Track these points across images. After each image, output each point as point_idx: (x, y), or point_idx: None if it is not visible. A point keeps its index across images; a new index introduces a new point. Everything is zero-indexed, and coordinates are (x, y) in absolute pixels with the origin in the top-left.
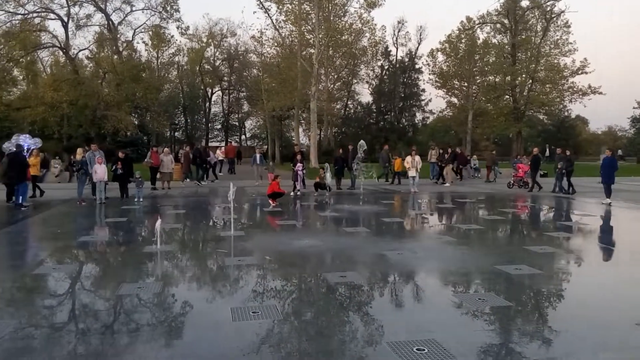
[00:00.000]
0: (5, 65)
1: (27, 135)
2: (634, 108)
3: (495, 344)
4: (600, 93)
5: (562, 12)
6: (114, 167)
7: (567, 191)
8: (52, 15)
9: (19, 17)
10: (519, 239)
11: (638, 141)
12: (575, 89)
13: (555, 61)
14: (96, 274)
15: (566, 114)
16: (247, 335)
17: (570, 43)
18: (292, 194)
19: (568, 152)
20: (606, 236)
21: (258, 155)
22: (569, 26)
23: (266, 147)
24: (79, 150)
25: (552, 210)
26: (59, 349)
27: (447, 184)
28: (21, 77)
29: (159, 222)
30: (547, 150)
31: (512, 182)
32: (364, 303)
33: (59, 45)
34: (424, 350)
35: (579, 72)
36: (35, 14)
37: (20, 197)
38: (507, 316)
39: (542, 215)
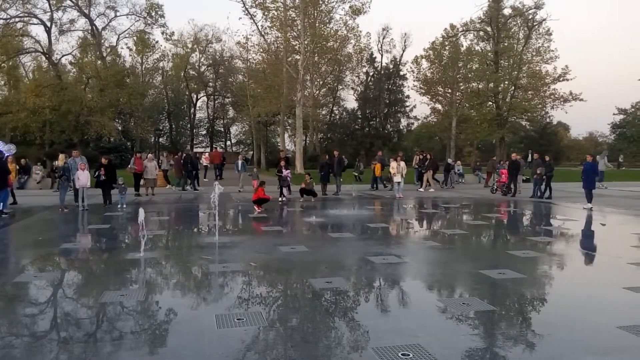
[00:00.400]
0: None
1: (1, 142)
2: (614, 114)
3: (480, 348)
4: (581, 100)
5: (544, 20)
6: (96, 174)
7: (543, 196)
8: (34, 20)
9: (1, 21)
10: (502, 243)
11: (618, 147)
12: (556, 96)
13: (537, 68)
14: (78, 282)
15: (548, 120)
16: (232, 342)
17: (552, 50)
18: (279, 199)
19: (547, 158)
20: (588, 240)
21: (240, 162)
22: (551, 34)
23: (252, 153)
24: (61, 157)
25: (535, 215)
26: (41, 358)
27: (432, 190)
28: (2, 82)
29: (142, 214)
30: (530, 156)
31: (495, 187)
32: (350, 309)
33: (41, 51)
34: (409, 355)
35: (561, 79)
36: (17, 19)
37: (1, 204)
38: (491, 320)
39: (525, 220)
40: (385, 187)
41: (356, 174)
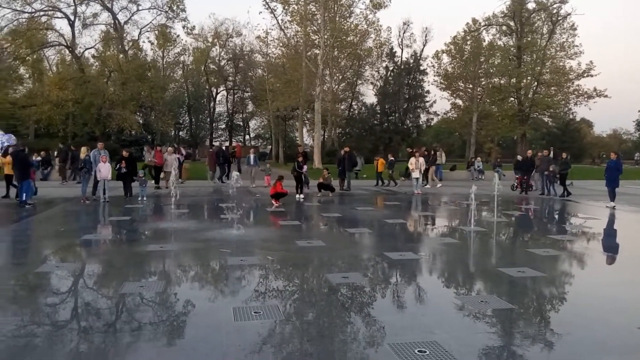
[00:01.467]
0: (12, 64)
1: (1, 132)
2: (639, 111)
3: (497, 346)
4: (606, 96)
5: (569, 14)
6: (117, 166)
7: (563, 194)
8: (58, 14)
9: (26, 15)
10: (521, 241)
11: None
12: (580, 92)
13: (561, 64)
14: (99, 273)
15: (571, 116)
16: (248, 335)
17: (576, 46)
18: (297, 197)
19: (564, 155)
20: (609, 239)
21: (252, 156)
22: (575, 29)
23: (270, 147)
24: (83, 149)
25: (556, 213)
26: (61, 347)
27: (439, 185)
28: (27, 75)
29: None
30: (551, 152)
31: (515, 184)
32: (366, 304)
33: (65, 44)
34: (426, 351)
35: (585, 75)
36: (42, 13)
37: (24, 195)
38: (510, 319)
39: (545, 218)
40: (383, 183)
41: (358, 170)
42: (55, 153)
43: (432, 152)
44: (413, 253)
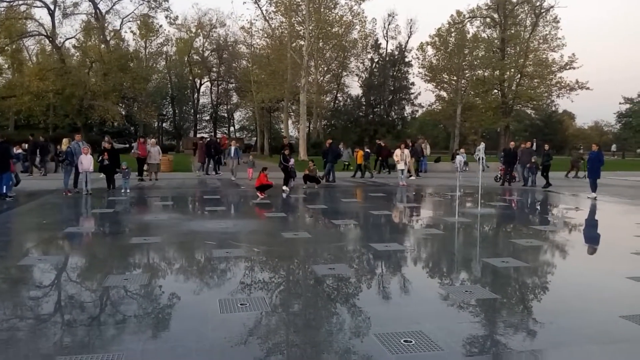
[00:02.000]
0: None
1: None
2: (620, 103)
3: (482, 335)
4: (588, 88)
5: (552, 7)
6: (100, 158)
7: (547, 185)
8: (38, 3)
9: (4, 4)
10: (505, 232)
11: (624, 136)
12: (562, 84)
13: (544, 56)
14: (82, 265)
15: (553, 108)
16: (234, 327)
17: (559, 38)
18: (283, 189)
19: (547, 147)
20: (591, 230)
21: (233, 148)
22: (558, 21)
23: (255, 139)
24: (65, 141)
25: (538, 204)
26: (45, 340)
27: (413, 178)
28: (6, 65)
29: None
30: (534, 144)
31: (499, 175)
32: (352, 295)
33: (45, 34)
34: (411, 341)
35: (567, 67)
36: (21, 2)
37: (4, 187)
38: (493, 308)
39: (528, 209)
40: (363, 175)
41: (346, 163)
42: (26, 145)
43: (412, 144)
44: (398, 244)
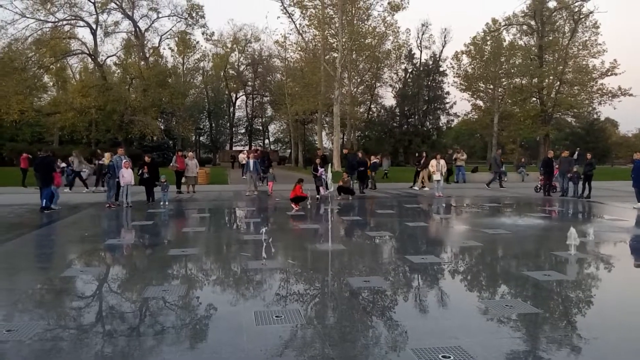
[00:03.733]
0: (36, 72)
1: None
2: None
3: (523, 351)
4: (631, 95)
5: (591, 12)
6: (140, 172)
7: (581, 195)
8: (81, 23)
9: (50, 25)
10: (546, 244)
11: None
12: (604, 91)
13: (584, 63)
14: (122, 277)
15: (595, 116)
16: (270, 339)
17: (599, 44)
18: (318, 197)
19: (589, 156)
20: (637, 242)
21: (252, 161)
22: (598, 27)
23: (289, 151)
24: (107, 155)
25: (581, 215)
26: (87, 350)
27: (426, 188)
28: (51, 83)
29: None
30: (575, 153)
31: (539, 186)
32: (388, 308)
33: (87, 52)
34: (450, 357)
35: (609, 74)
36: (65, 22)
37: (44, 200)
38: (535, 323)
39: (570, 220)
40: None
41: (386, 171)
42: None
43: (425, 156)
44: (435, 256)
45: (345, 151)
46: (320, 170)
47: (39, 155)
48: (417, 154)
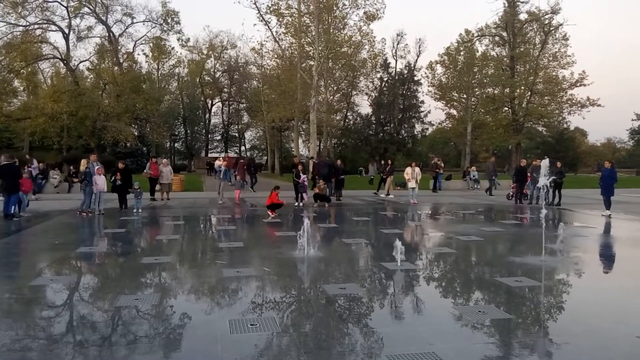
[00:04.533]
0: (6, 77)
1: None
2: (632, 120)
3: (496, 357)
4: (599, 105)
5: (560, 25)
6: (113, 178)
7: (552, 203)
8: (53, 27)
9: (21, 28)
10: (518, 250)
11: (637, 153)
12: (573, 101)
13: (554, 73)
14: (94, 285)
15: (565, 126)
16: (245, 347)
17: (569, 55)
18: (295, 205)
19: (559, 164)
20: (606, 248)
21: (223, 169)
22: (567, 39)
23: (266, 158)
24: (83, 162)
25: (551, 222)
26: None
27: (391, 195)
28: (22, 88)
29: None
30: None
31: (511, 193)
32: (364, 315)
33: (59, 57)
34: None
35: (578, 85)
36: (36, 26)
37: (12, 207)
38: (508, 328)
39: (540, 227)
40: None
41: (372, 177)
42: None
43: (390, 163)
44: (410, 263)
45: (312, 159)
46: (302, 177)
47: (3, 162)
48: (382, 162)
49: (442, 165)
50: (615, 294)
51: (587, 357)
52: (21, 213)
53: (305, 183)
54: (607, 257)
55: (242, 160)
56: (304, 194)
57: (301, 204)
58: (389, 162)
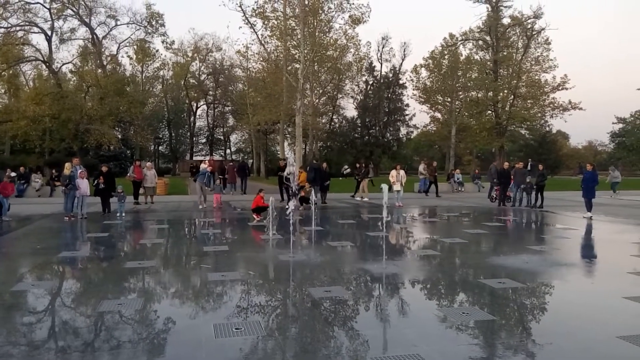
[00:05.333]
0: None
1: None
2: (613, 123)
3: (480, 358)
4: (581, 109)
5: (543, 29)
6: (95, 182)
7: (535, 205)
8: (35, 29)
9: (2, 30)
10: (501, 252)
11: (617, 156)
12: (555, 105)
13: (536, 77)
14: (77, 290)
15: (547, 129)
16: (230, 352)
17: (551, 60)
18: (292, 207)
19: (541, 167)
20: (587, 250)
21: (207, 172)
22: (550, 43)
23: (251, 160)
24: (67, 165)
25: (534, 224)
26: None
27: (365, 198)
28: (3, 90)
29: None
30: (529, 164)
31: (494, 195)
32: (349, 318)
33: (42, 59)
34: None
35: (560, 88)
36: (18, 28)
37: None
38: (491, 330)
39: (524, 229)
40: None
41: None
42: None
43: (364, 165)
44: (395, 266)
45: (281, 164)
46: (294, 184)
47: None
48: (357, 165)
49: (368, 167)
50: (596, 295)
51: (569, 357)
52: (3, 217)
53: (296, 190)
54: (589, 258)
55: (231, 164)
56: (295, 197)
57: (288, 206)
58: (364, 164)
